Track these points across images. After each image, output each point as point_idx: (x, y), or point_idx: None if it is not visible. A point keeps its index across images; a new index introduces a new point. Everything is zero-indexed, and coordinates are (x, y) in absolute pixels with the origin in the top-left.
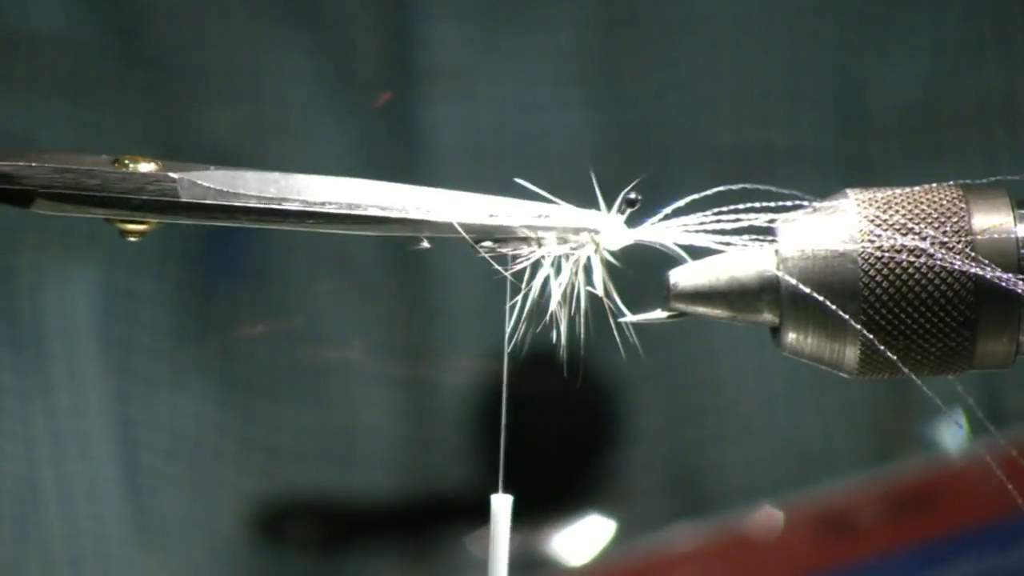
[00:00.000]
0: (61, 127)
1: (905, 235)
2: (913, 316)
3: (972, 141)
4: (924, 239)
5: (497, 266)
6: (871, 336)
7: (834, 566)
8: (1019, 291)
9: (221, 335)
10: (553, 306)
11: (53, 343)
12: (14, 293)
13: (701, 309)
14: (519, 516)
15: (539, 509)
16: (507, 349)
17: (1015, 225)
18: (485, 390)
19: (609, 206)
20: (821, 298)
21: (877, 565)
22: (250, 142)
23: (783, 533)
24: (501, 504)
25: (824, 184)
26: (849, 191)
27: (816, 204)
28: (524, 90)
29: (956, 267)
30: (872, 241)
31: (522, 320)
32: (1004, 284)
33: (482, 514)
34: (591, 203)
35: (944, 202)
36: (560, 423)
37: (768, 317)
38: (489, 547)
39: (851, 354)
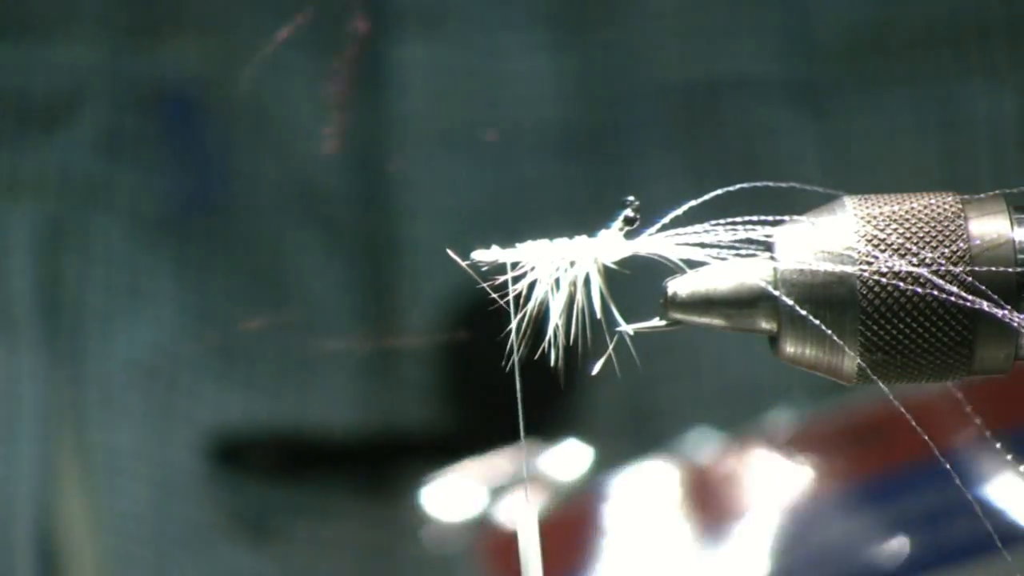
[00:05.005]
0: (24, 64)
1: (903, 252)
2: (910, 328)
3: (921, 65)
4: (922, 260)
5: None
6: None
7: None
8: (1015, 323)
9: (179, 266)
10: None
11: None
12: None
13: (698, 319)
14: (478, 452)
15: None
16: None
17: (1012, 230)
18: (450, 326)
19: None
20: (817, 322)
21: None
22: (220, 71)
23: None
24: (527, 514)
25: (774, 114)
26: (847, 200)
27: (813, 214)
28: (492, 34)
29: (955, 292)
30: (869, 263)
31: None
32: (1001, 317)
33: (441, 452)
34: (556, 153)
35: (941, 211)
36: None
37: (766, 327)
38: (520, 557)
39: (849, 364)
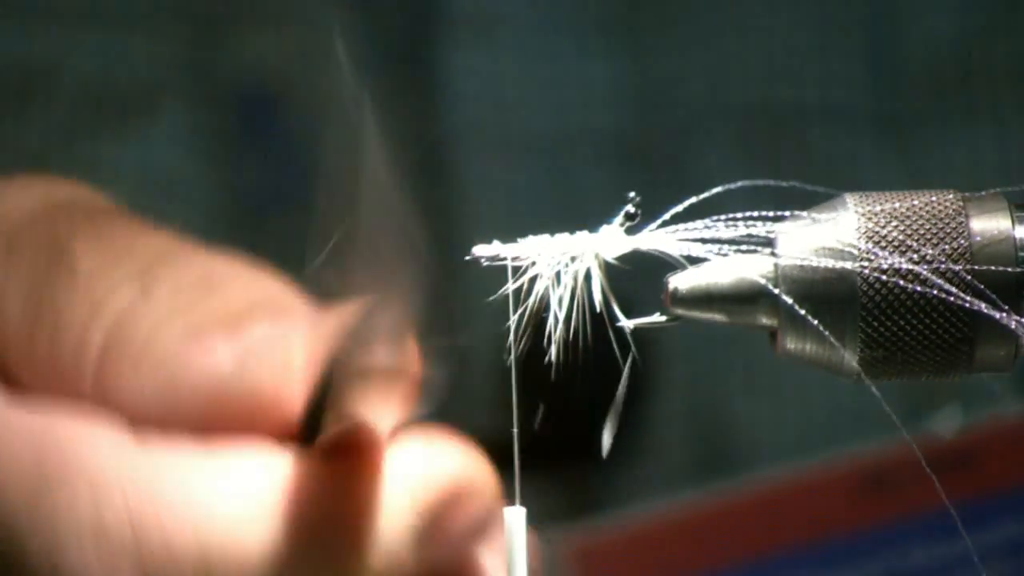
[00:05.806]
0: (104, 56)
1: (904, 249)
2: (911, 325)
3: (1006, 99)
4: (923, 257)
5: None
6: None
7: (872, 525)
8: (1012, 326)
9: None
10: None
11: None
12: None
13: (699, 314)
14: (546, 465)
15: (564, 461)
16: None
17: (1013, 227)
18: (504, 331)
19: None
20: (816, 322)
21: (916, 524)
22: (299, 66)
23: (820, 491)
24: (515, 517)
25: (856, 143)
26: (848, 198)
27: (814, 210)
28: (546, 39)
29: (954, 291)
30: (870, 260)
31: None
32: (999, 319)
33: (510, 462)
34: (617, 160)
35: (942, 209)
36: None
37: (766, 322)
38: (507, 561)
39: (850, 361)
